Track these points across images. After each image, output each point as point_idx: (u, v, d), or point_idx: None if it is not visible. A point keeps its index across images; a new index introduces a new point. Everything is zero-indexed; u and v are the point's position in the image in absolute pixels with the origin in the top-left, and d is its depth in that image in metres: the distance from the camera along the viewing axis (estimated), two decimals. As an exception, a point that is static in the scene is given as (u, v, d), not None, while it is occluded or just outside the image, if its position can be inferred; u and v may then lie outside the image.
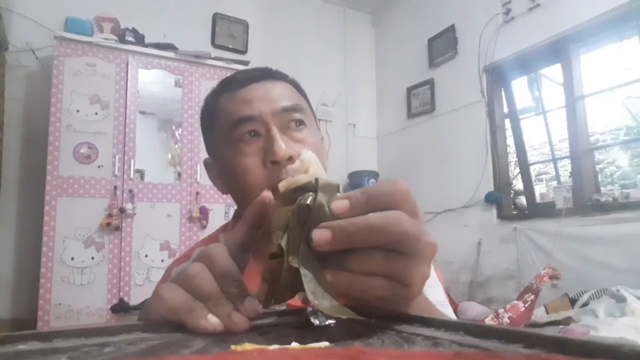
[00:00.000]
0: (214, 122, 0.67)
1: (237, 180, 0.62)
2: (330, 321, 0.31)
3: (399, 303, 0.31)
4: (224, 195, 0.69)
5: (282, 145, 0.57)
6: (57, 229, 2.68)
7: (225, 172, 0.65)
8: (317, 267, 0.30)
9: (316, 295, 0.28)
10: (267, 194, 0.33)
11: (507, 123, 3.47)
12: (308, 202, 0.30)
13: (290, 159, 0.57)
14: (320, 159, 0.63)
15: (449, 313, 0.56)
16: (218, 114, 0.66)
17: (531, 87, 3.45)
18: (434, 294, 0.43)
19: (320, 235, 0.28)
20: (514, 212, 3.33)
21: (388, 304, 0.30)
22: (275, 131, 0.59)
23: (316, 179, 0.31)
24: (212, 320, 0.29)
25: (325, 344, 0.23)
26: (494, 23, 3.37)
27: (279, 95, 0.63)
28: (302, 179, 0.32)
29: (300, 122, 0.62)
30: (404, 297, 0.30)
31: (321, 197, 0.30)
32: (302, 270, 0.29)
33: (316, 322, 0.31)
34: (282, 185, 0.33)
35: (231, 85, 0.65)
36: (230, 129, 0.62)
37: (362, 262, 0.28)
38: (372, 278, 0.28)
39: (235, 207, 0.71)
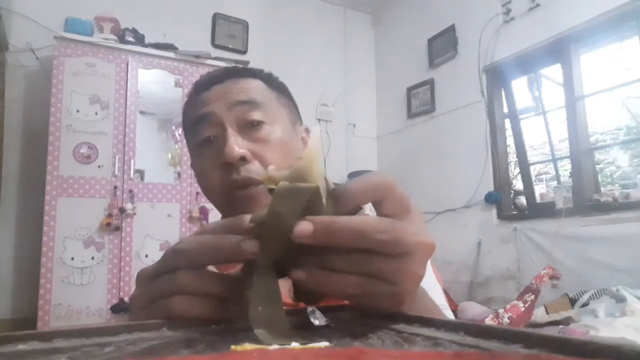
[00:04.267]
0: (185, 126, 0.67)
1: (200, 183, 0.62)
2: (329, 321, 0.30)
3: (389, 301, 0.30)
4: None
5: (234, 147, 0.56)
6: (57, 229, 2.68)
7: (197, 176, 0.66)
8: (274, 282, 0.29)
9: (257, 320, 0.27)
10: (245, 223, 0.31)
11: (507, 123, 3.47)
12: (259, 219, 0.29)
13: (243, 159, 0.56)
14: (287, 158, 0.60)
15: (449, 316, 0.56)
16: (186, 118, 0.66)
17: (531, 87, 3.45)
18: (434, 298, 0.43)
19: (303, 227, 0.27)
20: (514, 212, 3.33)
21: (376, 302, 0.30)
22: (229, 132, 0.57)
23: (274, 190, 0.29)
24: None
25: (325, 344, 0.23)
26: (494, 23, 3.37)
27: (237, 91, 0.61)
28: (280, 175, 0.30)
29: (258, 122, 0.59)
30: (392, 295, 0.30)
31: (279, 206, 0.28)
32: (253, 294, 0.28)
33: (316, 322, 0.30)
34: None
35: (197, 88, 0.65)
36: (190, 132, 0.63)
37: (340, 260, 0.28)
38: (347, 275, 0.28)
39: None
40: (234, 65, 0.71)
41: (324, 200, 0.30)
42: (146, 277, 0.34)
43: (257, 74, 0.66)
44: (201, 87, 0.64)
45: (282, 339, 0.25)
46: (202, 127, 0.60)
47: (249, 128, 0.59)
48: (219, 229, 0.32)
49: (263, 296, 0.29)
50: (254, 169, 0.57)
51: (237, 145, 0.56)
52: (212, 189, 0.60)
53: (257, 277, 0.29)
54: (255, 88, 0.63)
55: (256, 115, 0.60)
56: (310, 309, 0.31)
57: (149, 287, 0.33)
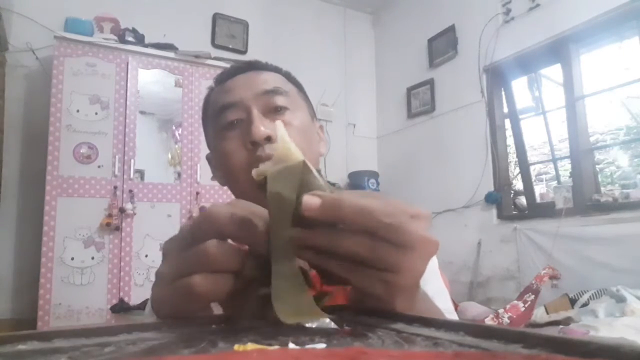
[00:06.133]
0: (207, 115, 0.70)
1: (224, 166, 0.64)
2: (315, 325, 0.29)
3: (384, 289, 0.30)
4: (224, 195, 0.69)
5: (260, 126, 0.58)
6: (57, 229, 2.68)
7: (217, 162, 0.67)
8: (293, 262, 0.30)
9: (281, 298, 0.28)
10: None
11: (507, 123, 3.47)
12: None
13: (269, 139, 0.58)
14: (308, 144, 0.64)
15: None
16: (209, 107, 0.69)
17: (531, 87, 3.45)
18: (441, 302, 0.43)
19: (310, 200, 0.28)
20: (514, 212, 3.33)
21: (371, 288, 0.30)
22: (255, 113, 0.60)
23: (265, 177, 0.30)
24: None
25: (322, 346, 0.23)
26: (494, 23, 3.37)
27: (262, 81, 0.64)
28: (266, 169, 0.31)
29: (282, 108, 0.63)
30: (387, 282, 0.30)
31: (276, 187, 0.30)
32: (274, 268, 0.29)
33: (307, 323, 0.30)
34: (253, 173, 0.31)
35: (220, 78, 0.69)
36: (215, 117, 0.65)
37: (344, 237, 0.28)
38: (349, 250, 0.29)
39: None
40: (255, 59, 0.72)
41: (317, 177, 0.30)
42: (171, 250, 0.33)
43: (277, 69, 0.70)
44: (224, 77, 0.67)
45: (305, 317, 0.26)
46: (228, 112, 0.62)
47: (273, 113, 0.62)
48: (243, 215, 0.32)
49: (286, 276, 0.29)
50: (276, 147, 0.58)
51: (263, 126, 0.58)
52: (236, 169, 0.61)
53: (275, 260, 0.30)
54: (277, 79, 0.67)
55: (280, 101, 0.63)
56: None
57: (174, 261, 0.32)
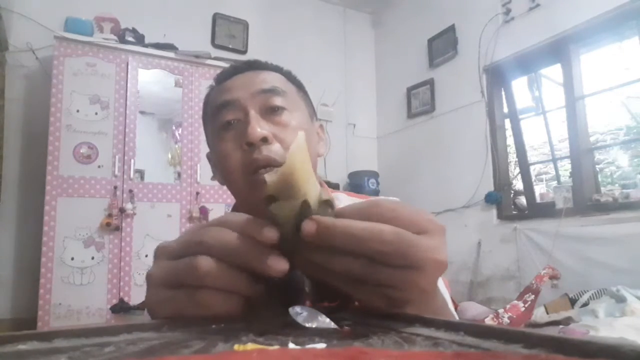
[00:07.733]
0: (206, 115, 0.70)
1: (221, 166, 0.63)
2: (315, 325, 0.29)
3: (388, 303, 0.30)
4: (224, 195, 0.69)
5: (256, 127, 0.57)
6: (57, 229, 2.68)
7: (216, 162, 0.67)
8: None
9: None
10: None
11: (507, 123, 3.47)
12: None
13: (265, 140, 0.57)
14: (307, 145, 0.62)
15: None
16: (208, 107, 0.68)
17: (531, 87, 3.45)
18: None
19: (308, 226, 0.28)
20: (514, 212, 3.33)
21: (375, 302, 0.30)
22: (252, 114, 0.59)
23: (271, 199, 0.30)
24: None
25: (322, 345, 0.23)
26: (494, 23, 3.37)
27: (260, 80, 0.63)
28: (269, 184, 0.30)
29: (280, 108, 0.61)
30: (391, 298, 0.30)
31: (276, 210, 0.30)
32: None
33: (307, 324, 0.30)
34: (267, 178, 0.30)
35: (219, 78, 0.68)
36: (213, 117, 0.64)
37: (342, 259, 0.29)
38: (348, 271, 0.29)
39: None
40: (255, 59, 0.71)
41: (313, 207, 0.30)
42: (167, 255, 0.34)
43: (277, 68, 0.69)
44: (223, 77, 0.66)
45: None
46: (225, 111, 0.62)
47: (270, 113, 0.61)
48: (241, 227, 0.31)
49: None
50: (275, 149, 0.58)
51: (259, 127, 0.57)
52: (232, 171, 0.60)
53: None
54: (276, 79, 0.65)
55: (277, 102, 0.61)
56: (298, 309, 0.31)
57: (172, 267, 0.33)
